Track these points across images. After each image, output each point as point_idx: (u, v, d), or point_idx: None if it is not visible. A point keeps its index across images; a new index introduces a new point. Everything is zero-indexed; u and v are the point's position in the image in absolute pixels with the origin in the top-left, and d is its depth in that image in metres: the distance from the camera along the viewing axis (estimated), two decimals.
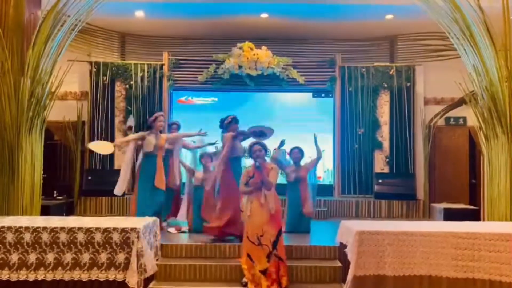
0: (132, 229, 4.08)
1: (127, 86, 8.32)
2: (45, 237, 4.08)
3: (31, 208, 5.31)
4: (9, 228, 4.10)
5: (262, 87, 8.36)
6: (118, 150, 7.47)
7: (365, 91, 8.33)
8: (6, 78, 5.09)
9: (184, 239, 5.67)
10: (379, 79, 8.35)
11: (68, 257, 4.06)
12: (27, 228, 4.10)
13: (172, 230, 6.14)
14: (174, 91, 8.50)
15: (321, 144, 6.36)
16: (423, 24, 7.58)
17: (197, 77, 8.32)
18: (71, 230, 4.09)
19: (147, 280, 4.45)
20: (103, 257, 4.06)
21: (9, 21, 5.18)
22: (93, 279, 4.04)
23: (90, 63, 8.28)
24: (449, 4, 5.55)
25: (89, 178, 7.99)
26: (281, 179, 6.12)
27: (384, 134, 8.32)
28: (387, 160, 8.26)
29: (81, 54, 7.98)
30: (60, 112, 7.67)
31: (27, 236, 4.08)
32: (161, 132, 6.05)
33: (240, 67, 8.09)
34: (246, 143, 5.50)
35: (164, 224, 6.14)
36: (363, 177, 8.26)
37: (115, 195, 7.26)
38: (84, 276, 4.04)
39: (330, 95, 8.49)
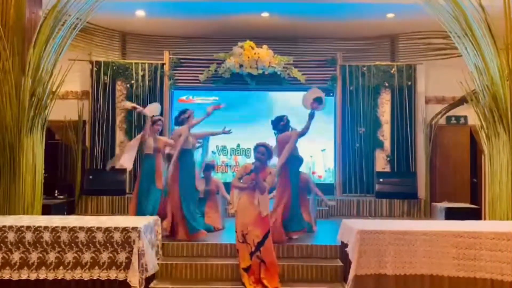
0: (133, 228, 4.08)
1: (128, 85, 8.32)
2: (46, 236, 4.08)
3: (33, 208, 5.31)
4: (11, 227, 4.10)
5: (263, 86, 8.36)
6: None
7: (366, 90, 8.32)
8: (7, 77, 5.09)
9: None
10: (380, 78, 8.34)
11: (69, 256, 4.06)
12: (28, 228, 4.10)
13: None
14: (175, 90, 8.49)
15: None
16: (424, 23, 7.57)
17: (198, 76, 8.32)
18: (72, 230, 4.10)
19: (148, 279, 4.46)
20: (104, 256, 4.06)
21: (10, 20, 5.18)
22: (95, 278, 4.04)
23: (91, 62, 8.28)
24: (450, 3, 5.55)
25: (90, 177, 7.99)
26: None
27: (385, 133, 8.32)
28: (388, 159, 8.26)
29: (82, 54, 7.98)
30: (61, 111, 7.66)
31: (28, 236, 4.09)
32: (160, 134, 6.05)
33: (241, 66, 8.08)
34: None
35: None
36: (364, 176, 8.26)
37: (116, 194, 7.33)
38: (86, 276, 4.04)
39: (331, 94, 8.47)
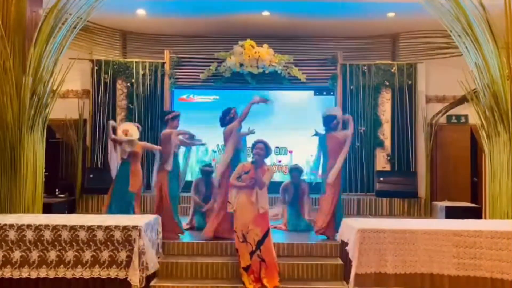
0: (133, 227, 4.09)
1: (128, 84, 8.32)
2: (47, 235, 4.09)
3: (33, 206, 5.32)
4: (12, 226, 4.11)
5: (264, 85, 8.35)
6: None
7: (366, 89, 8.32)
8: (8, 76, 5.09)
9: (185, 236, 5.67)
10: (380, 77, 8.34)
11: (70, 255, 4.07)
12: (29, 226, 4.11)
13: None
14: (176, 89, 8.49)
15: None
16: (425, 22, 7.57)
17: (198, 75, 8.33)
18: (73, 228, 4.10)
19: (149, 278, 4.47)
20: (105, 255, 4.07)
21: (10, 19, 5.18)
22: (95, 276, 4.05)
23: (92, 61, 8.28)
24: (451, 2, 5.54)
25: (91, 176, 8.00)
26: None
27: (385, 132, 8.31)
28: (389, 158, 8.26)
29: (82, 52, 7.98)
30: (62, 110, 7.67)
31: (29, 234, 4.10)
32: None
33: (241, 65, 8.09)
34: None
35: None
36: (364, 175, 8.26)
37: None
38: (86, 274, 4.05)
39: (332, 93, 8.48)
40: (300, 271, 4.90)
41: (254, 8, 7.70)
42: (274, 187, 5.66)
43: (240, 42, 8.11)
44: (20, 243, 4.09)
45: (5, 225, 4.11)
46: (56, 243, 4.09)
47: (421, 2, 5.92)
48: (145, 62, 8.36)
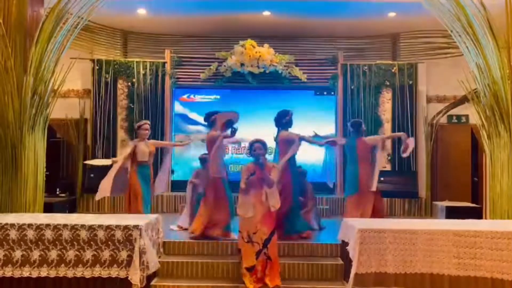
0: (134, 226, 4.10)
1: (129, 83, 8.33)
2: (48, 234, 4.10)
3: (34, 206, 5.32)
4: (12, 225, 4.12)
5: (264, 85, 8.36)
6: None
7: (367, 89, 8.32)
8: (9, 76, 5.09)
9: (186, 236, 5.68)
10: (381, 77, 8.34)
11: (71, 254, 4.08)
12: (30, 225, 4.12)
13: (174, 227, 6.18)
14: (176, 88, 8.50)
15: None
16: (426, 22, 7.57)
17: (199, 75, 8.33)
18: (74, 227, 4.11)
19: (150, 277, 4.47)
20: (105, 254, 4.07)
21: (12, 19, 5.18)
22: (96, 276, 4.06)
23: (93, 60, 8.29)
24: (451, 2, 5.54)
25: (92, 175, 8.00)
26: None
27: (386, 132, 8.31)
28: (389, 158, 8.26)
29: (83, 52, 7.99)
30: (63, 109, 7.69)
31: (30, 233, 4.10)
32: (148, 139, 6.03)
33: (242, 65, 8.09)
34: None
35: None
36: None
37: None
38: (87, 273, 4.06)
39: (332, 93, 8.48)
40: (301, 270, 4.90)
41: (255, 8, 7.71)
42: None
43: (241, 42, 8.12)
44: (21, 242, 4.10)
45: (6, 224, 4.12)
46: (57, 242, 4.09)
47: (421, 2, 5.92)
48: (146, 61, 8.37)
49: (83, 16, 5.65)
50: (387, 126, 8.32)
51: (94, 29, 8.31)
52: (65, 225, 4.11)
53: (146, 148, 5.84)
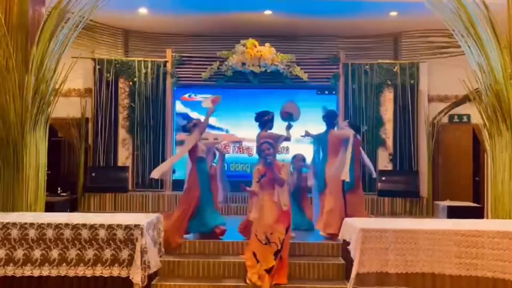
0: (135, 225, 4.09)
1: (130, 83, 8.33)
2: (49, 233, 4.10)
3: (36, 205, 5.32)
4: (14, 224, 4.12)
5: (266, 84, 8.36)
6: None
7: (368, 88, 8.32)
8: (11, 75, 5.09)
9: (187, 236, 5.67)
10: (382, 77, 8.33)
11: (72, 253, 4.07)
12: (31, 224, 4.11)
13: None
14: (178, 88, 8.50)
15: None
16: (427, 21, 7.56)
17: (200, 74, 8.33)
18: (75, 227, 4.11)
19: (151, 277, 4.47)
20: (107, 253, 4.07)
21: (13, 18, 5.18)
22: (97, 275, 4.05)
23: (94, 60, 8.29)
24: (453, 1, 5.52)
25: (93, 175, 8.02)
26: None
27: (387, 131, 8.31)
28: (391, 157, 8.26)
29: (85, 51, 7.98)
30: (64, 109, 7.67)
31: (31, 232, 4.10)
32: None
33: (243, 64, 8.09)
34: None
35: None
36: (366, 175, 8.24)
37: (118, 192, 7.30)
38: (88, 272, 4.06)
39: (334, 92, 8.48)
40: (302, 270, 4.90)
41: (256, 7, 7.70)
42: None
43: (242, 41, 8.11)
44: (23, 241, 4.09)
45: (8, 223, 4.12)
46: (58, 241, 4.09)
47: (423, 1, 5.91)
48: (147, 61, 8.37)
49: (84, 15, 5.64)
50: (388, 126, 8.32)
51: (95, 28, 8.31)
52: (66, 224, 4.11)
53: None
